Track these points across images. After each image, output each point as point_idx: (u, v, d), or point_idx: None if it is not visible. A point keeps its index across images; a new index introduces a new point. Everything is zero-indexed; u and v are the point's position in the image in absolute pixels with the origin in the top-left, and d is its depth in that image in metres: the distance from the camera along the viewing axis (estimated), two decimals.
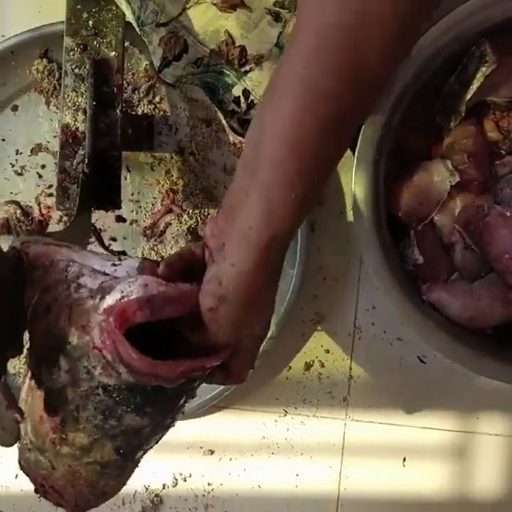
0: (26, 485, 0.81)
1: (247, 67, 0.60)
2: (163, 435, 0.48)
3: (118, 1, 0.64)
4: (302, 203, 0.40)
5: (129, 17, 0.65)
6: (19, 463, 0.50)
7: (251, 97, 0.62)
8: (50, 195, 0.78)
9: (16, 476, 0.82)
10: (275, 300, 0.45)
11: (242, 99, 0.62)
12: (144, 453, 0.48)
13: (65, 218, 0.78)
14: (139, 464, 0.50)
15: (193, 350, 0.43)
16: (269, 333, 0.76)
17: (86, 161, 0.65)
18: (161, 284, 0.42)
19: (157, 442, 0.48)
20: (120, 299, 0.41)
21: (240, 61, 0.60)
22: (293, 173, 0.39)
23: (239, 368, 0.45)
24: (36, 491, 0.50)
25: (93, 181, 0.65)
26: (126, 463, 0.48)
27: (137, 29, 0.64)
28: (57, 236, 0.64)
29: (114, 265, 0.45)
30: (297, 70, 0.38)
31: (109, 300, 0.41)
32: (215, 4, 0.57)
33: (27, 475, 0.49)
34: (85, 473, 0.47)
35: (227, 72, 0.61)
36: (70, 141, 0.67)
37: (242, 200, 0.40)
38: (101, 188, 0.66)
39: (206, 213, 0.78)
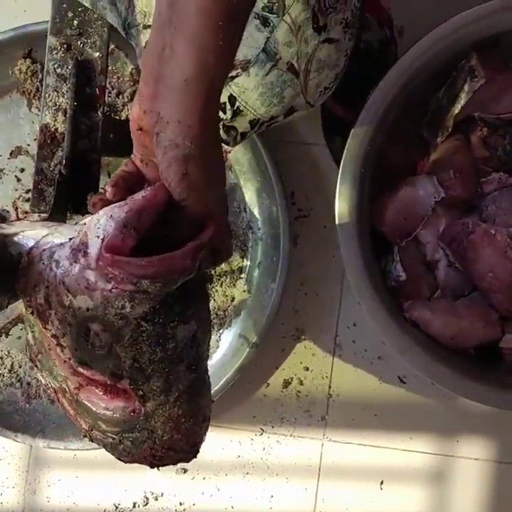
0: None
1: (234, 73, 0.58)
2: (211, 333, 0.50)
3: (101, 8, 0.63)
4: (230, 48, 0.41)
5: (114, 21, 0.63)
6: (121, 460, 0.50)
7: (237, 104, 0.60)
8: (28, 200, 0.76)
9: None
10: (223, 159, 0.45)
11: (228, 106, 0.61)
12: (207, 359, 0.49)
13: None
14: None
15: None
16: (249, 348, 0.74)
17: (63, 162, 0.63)
18: (121, 205, 0.41)
19: (209, 344, 0.49)
20: (102, 242, 0.41)
21: None
22: (220, 20, 0.40)
23: (222, 239, 0.44)
24: (152, 466, 0.49)
25: (70, 183, 0.63)
26: (203, 375, 0.48)
27: (123, 33, 0.63)
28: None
29: (75, 231, 0.45)
30: None
31: (93, 250, 0.41)
32: None
33: (136, 462, 0.49)
34: (181, 410, 0.46)
35: None
36: (49, 141, 0.65)
37: (168, 57, 0.40)
38: (78, 191, 0.65)
39: None
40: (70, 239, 0.44)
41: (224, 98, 0.60)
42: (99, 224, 0.41)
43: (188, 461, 0.50)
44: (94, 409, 0.47)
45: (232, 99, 0.60)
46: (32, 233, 0.46)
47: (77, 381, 0.47)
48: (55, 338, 0.44)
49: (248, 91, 0.58)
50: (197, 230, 0.42)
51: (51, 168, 0.65)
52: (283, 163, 0.74)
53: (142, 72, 0.43)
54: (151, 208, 0.41)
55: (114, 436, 0.48)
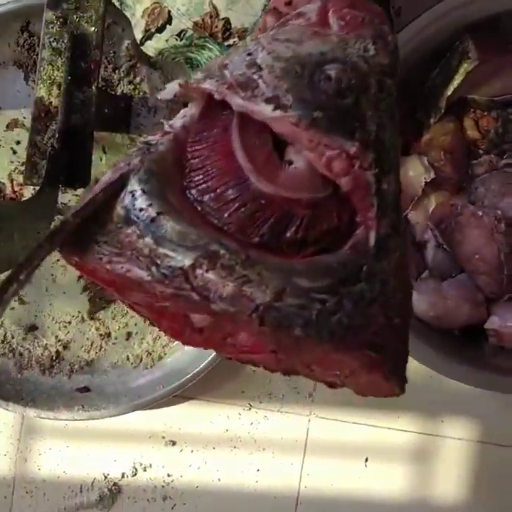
0: None
1: (231, 41, 0.58)
2: None
3: None
4: None
5: None
6: (339, 342, 0.31)
7: None
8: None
9: None
10: None
11: None
12: None
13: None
14: None
15: None
16: None
17: (56, 136, 0.64)
18: None
19: None
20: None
21: (224, 34, 0.58)
22: None
23: None
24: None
25: (63, 157, 0.64)
26: None
27: (117, 3, 0.63)
28: (19, 206, 0.63)
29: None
30: None
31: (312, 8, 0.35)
32: None
33: (352, 351, 0.32)
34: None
35: (210, 46, 0.59)
36: (43, 115, 0.66)
37: None
38: (71, 165, 0.65)
39: None
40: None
41: None
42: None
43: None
44: (284, 261, 0.31)
45: None
46: None
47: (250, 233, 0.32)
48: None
49: None
50: None
51: (45, 142, 0.65)
52: None
53: None
54: None
55: (323, 295, 0.31)
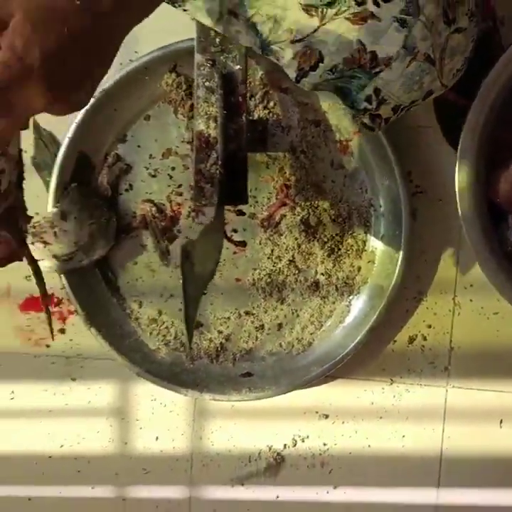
0: None
1: (378, 69, 0.66)
2: None
3: (233, 32, 0.69)
4: None
5: (249, 42, 0.70)
6: None
7: (381, 94, 0.69)
8: (180, 194, 0.89)
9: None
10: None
11: (374, 97, 0.69)
12: None
13: (192, 214, 0.89)
14: None
15: None
16: (377, 311, 0.85)
17: (219, 163, 0.75)
18: None
19: None
20: None
21: (372, 64, 0.66)
22: None
23: None
24: None
25: (225, 180, 0.75)
26: None
27: (259, 50, 0.70)
28: (205, 228, 0.75)
29: None
30: None
31: None
32: (347, 18, 0.64)
33: None
34: None
35: (359, 75, 0.67)
36: (204, 146, 0.77)
37: None
38: (230, 185, 0.77)
39: (316, 205, 0.87)
40: None
41: (370, 91, 0.68)
42: None
43: None
44: None
45: (377, 91, 0.68)
46: None
47: None
48: None
49: (391, 82, 0.67)
50: None
51: (207, 168, 0.77)
52: (400, 145, 0.84)
53: None
54: None
55: None
